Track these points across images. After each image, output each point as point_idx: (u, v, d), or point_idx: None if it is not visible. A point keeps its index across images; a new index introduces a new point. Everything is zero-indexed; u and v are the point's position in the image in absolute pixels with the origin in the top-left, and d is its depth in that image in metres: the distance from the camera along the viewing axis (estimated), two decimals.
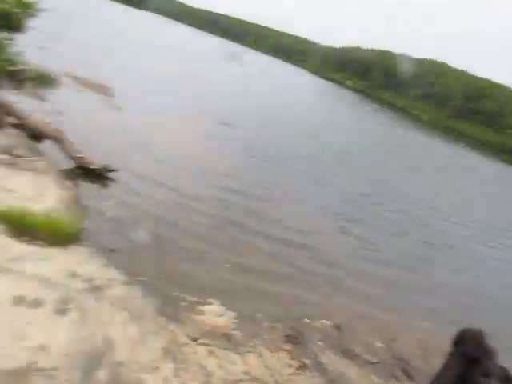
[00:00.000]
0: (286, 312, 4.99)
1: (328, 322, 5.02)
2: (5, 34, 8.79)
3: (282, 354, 4.19)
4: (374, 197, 11.65)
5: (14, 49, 9.24)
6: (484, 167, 32.48)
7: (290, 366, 4.08)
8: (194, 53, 40.38)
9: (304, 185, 10.44)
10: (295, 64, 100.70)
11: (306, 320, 4.94)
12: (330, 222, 8.57)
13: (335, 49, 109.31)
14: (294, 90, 40.05)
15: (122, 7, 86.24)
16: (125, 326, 3.62)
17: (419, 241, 9.48)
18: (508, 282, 8.95)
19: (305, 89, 46.97)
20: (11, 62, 9.62)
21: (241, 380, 3.66)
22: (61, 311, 3.38)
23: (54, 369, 2.82)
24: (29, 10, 8.68)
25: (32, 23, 9.01)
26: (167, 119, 12.39)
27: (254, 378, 3.74)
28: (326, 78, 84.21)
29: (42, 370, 2.77)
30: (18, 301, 3.28)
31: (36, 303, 3.33)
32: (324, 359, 4.34)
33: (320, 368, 4.20)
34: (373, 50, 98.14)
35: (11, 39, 8.84)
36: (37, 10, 8.79)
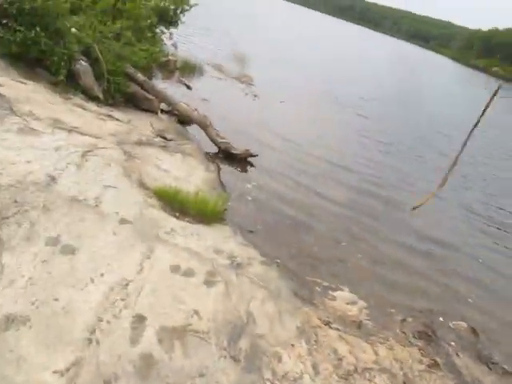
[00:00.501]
0: (420, 307, 4.90)
1: (464, 324, 4.82)
2: (160, 29, 9.62)
3: (413, 350, 4.14)
4: None
5: (168, 42, 10.08)
6: None
7: (421, 362, 4.01)
8: (337, 43, 40.07)
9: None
10: (435, 50, 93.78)
11: (440, 318, 4.80)
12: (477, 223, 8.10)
13: (480, 32, 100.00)
14: (436, 80, 37.81)
15: None
16: (263, 303, 3.87)
17: None
18: None
19: (446, 78, 44.04)
20: (164, 54, 10.54)
21: (371, 369, 3.70)
22: (209, 282, 3.73)
23: (205, 332, 3.14)
24: (183, 6, 9.40)
25: (184, 18, 9.73)
26: (307, 108, 12.62)
27: (384, 369, 3.75)
28: (469, 65, 77.27)
29: (195, 331, 3.11)
30: (175, 269, 3.68)
31: (189, 273, 3.71)
32: (457, 361, 4.20)
33: (453, 369, 4.07)
34: None
35: (166, 32, 9.67)
36: (190, 5, 9.48)
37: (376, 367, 3.76)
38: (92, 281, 3.11)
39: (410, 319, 4.62)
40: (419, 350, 4.21)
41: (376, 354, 3.94)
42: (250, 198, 6.25)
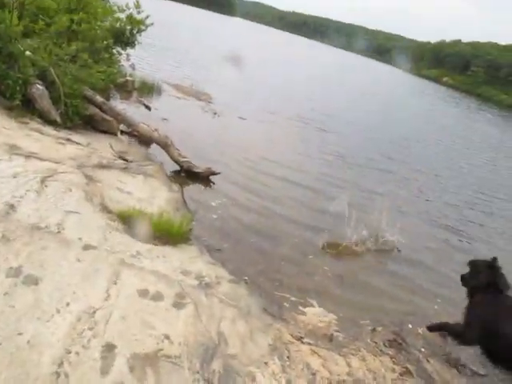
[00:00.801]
0: (389, 316, 4.98)
1: None
2: (117, 50, 9.56)
3: (385, 359, 4.20)
4: None
5: (125, 63, 10.03)
6: None
7: (394, 370, 4.07)
8: (293, 59, 40.75)
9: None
10: (388, 62, 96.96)
11: (409, 325, 4.89)
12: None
13: (429, 44, 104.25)
14: (389, 90, 39.00)
15: (211, 14, 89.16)
16: (234, 322, 3.85)
17: None
18: None
19: (400, 89, 45.50)
20: (122, 75, 10.47)
21: (344, 381, 3.73)
22: (179, 305, 3.68)
23: (177, 357, 3.09)
24: (139, 26, 9.38)
25: (141, 38, 9.72)
26: (267, 125, 12.74)
27: (358, 380, 3.78)
28: (420, 76, 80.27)
29: (167, 356, 3.05)
30: (143, 294, 3.62)
31: (157, 297, 3.65)
32: (428, 366, 4.27)
33: (424, 375, 4.14)
34: (472, 43, 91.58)
35: (122, 53, 9.61)
36: (146, 25, 9.48)
37: (350, 379, 3.78)
38: (58, 311, 3.02)
39: (379, 328, 4.68)
40: (391, 358, 4.27)
41: (349, 365, 3.97)
42: (214, 217, 6.23)
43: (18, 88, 6.61)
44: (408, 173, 11.89)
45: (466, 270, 4.42)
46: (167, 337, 3.23)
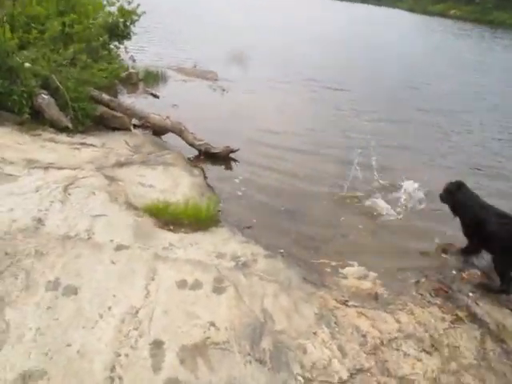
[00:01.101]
0: (430, 265, 4.90)
1: (476, 271, 4.83)
2: (115, 45, 9.45)
3: (433, 309, 4.13)
4: None
5: (123, 56, 9.93)
6: None
7: (444, 320, 4.01)
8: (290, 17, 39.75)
9: None
10: (389, 5, 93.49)
11: (453, 271, 4.80)
12: None
13: None
14: (397, 35, 37.78)
15: None
16: (277, 297, 3.83)
17: None
18: None
19: (407, 31, 44.01)
20: (124, 68, 10.38)
21: (396, 338, 3.69)
22: (219, 290, 3.68)
23: (226, 342, 3.10)
24: (132, 17, 9.21)
25: (135, 28, 9.56)
26: (278, 92, 12.53)
27: (409, 335, 3.74)
28: (426, 13, 77.31)
29: (216, 343, 3.06)
30: (182, 285, 3.63)
31: (196, 285, 3.66)
32: (478, 310, 4.19)
33: (476, 319, 4.07)
34: None
35: (120, 47, 9.51)
36: (138, 15, 9.30)
37: (401, 335, 3.74)
38: (101, 317, 3.05)
39: (423, 279, 4.60)
40: (439, 307, 4.20)
41: (398, 321, 3.92)
42: (240, 194, 6.20)
43: (24, 102, 6.61)
44: (429, 117, 11.57)
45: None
46: (212, 324, 3.24)
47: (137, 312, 3.19)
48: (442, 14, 74.38)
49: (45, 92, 6.95)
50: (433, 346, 3.70)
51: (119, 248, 4.03)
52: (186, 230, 4.79)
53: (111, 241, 4.12)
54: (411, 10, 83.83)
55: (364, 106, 11.78)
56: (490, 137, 10.54)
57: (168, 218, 4.86)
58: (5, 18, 7.11)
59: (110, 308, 3.16)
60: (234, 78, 13.27)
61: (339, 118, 10.61)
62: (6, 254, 3.52)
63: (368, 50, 24.34)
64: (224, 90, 11.79)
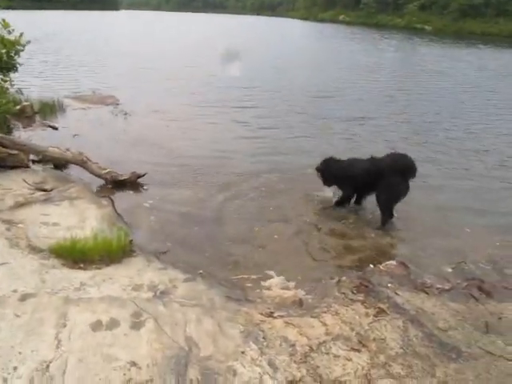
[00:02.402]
0: (348, 263, 5.02)
1: (393, 262, 5.01)
2: (1, 78, 8.84)
3: (357, 306, 4.20)
4: None
5: (13, 88, 9.34)
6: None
7: (368, 315, 4.08)
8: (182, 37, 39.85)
9: None
10: (283, 16, 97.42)
11: (370, 266, 4.94)
12: None
13: None
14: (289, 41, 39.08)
15: (95, 13, 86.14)
16: (200, 322, 3.70)
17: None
18: None
19: (300, 37, 45.74)
20: (15, 102, 9.75)
21: (325, 341, 3.69)
22: (137, 325, 3.48)
23: (149, 380, 2.92)
24: (15, 48, 8.66)
25: (21, 59, 9.01)
26: (178, 112, 12.37)
27: (337, 336, 3.76)
28: (318, 20, 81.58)
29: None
30: (96, 326, 3.39)
31: (112, 324, 3.44)
32: (398, 299, 4.32)
33: (397, 309, 4.18)
34: None
35: (7, 80, 8.91)
36: (23, 45, 8.77)
37: (329, 338, 3.75)
38: (5, 381, 2.76)
39: (343, 278, 4.68)
40: (362, 303, 4.28)
41: (324, 324, 3.94)
42: (152, 218, 6.00)
43: None
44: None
45: None
46: (133, 363, 3.05)
47: (47, 366, 2.92)
48: (333, 20, 78.96)
49: None
50: (360, 342, 3.75)
51: (24, 298, 3.71)
52: (98, 265, 4.54)
53: (14, 291, 3.79)
54: (304, 18, 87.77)
55: (273, 122, 11.82)
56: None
57: (77, 255, 4.57)
58: None
59: (15, 368, 2.87)
60: (135, 101, 12.98)
61: (244, 137, 10.48)
62: None
63: (268, 61, 24.87)
64: (126, 114, 11.47)
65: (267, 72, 20.57)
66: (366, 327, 3.92)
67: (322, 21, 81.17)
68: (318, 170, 6.63)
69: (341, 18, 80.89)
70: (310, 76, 20.15)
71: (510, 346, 3.79)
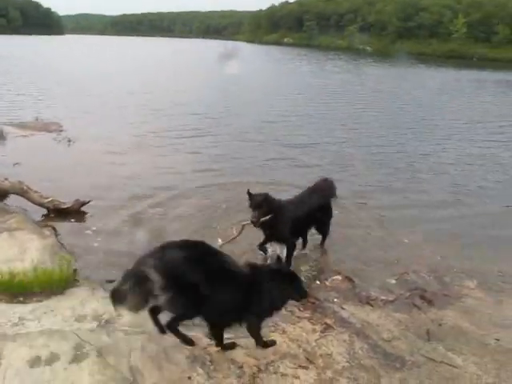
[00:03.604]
0: None
1: (338, 277, 5.10)
2: None
3: (304, 323, 4.25)
4: None
5: None
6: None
7: (315, 331, 4.13)
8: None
9: None
10: (229, 39, 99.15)
11: (317, 282, 5.01)
12: None
13: (262, 11, 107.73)
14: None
15: (37, 38, 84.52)
16: (145, 350, 3.63)
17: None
18: None
19: (246, 59, 46.42)
20: None
21: (272, 361, 3.70)
22: (78, 358, 3.37)
23: None
24: None
25: None
26: (124, 135, 12.24)
27: (284, 355, 3.78)
28: (263, 43, 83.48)
29: None
30: (34, 362, 3.25)
31: (52, 358, 3.31)
32: (344, 313, 4.42)
33: (344, 323, 4.27)
34: (299, 1, 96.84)
35: None
36: None
37: (276, 357, 3.76)
38: None
39: None
40: (308, 320, 4.34)
41: None
42: (96, 245, 5.89)
43: None
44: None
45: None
46: None
47: None
48: (277, 42, 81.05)
49: None
50: (307, 359, 3.78)
51: None
52: (39, 297, 4.40)
53: None
54: (249, 40, 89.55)
55: (222, 149, 11.77)
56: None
57: (16, 289, 4.40)
58: None
59: None
60: (78, 127, 12.77)
61: (190, 158, 10.60)
62: None
63: (216, 84, 24.99)
64: (70, 141, 11.22)
65: (215, 96, 20.60)
66: (313, 344, 3.97)
67: (266, 43, 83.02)
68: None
69: (285, 40, 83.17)
70: (259, 100, 20.29)
71: (450, 351, 3.94)
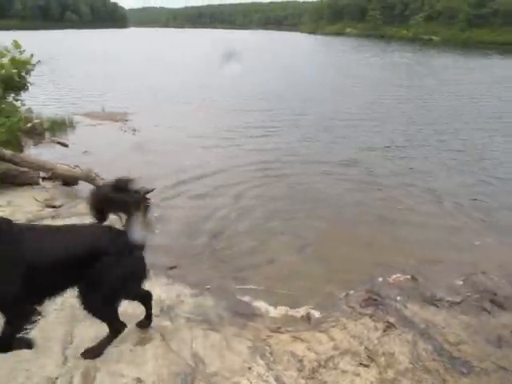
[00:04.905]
0: (356, 277, 4.96)
1: (402, 275, 4.95)
2: (12, 97, 9.03)
3: (365, 320, 4.15)
4: None
5: (24, 107, 9.49)
6: None
7: (376, 328, 4.03)
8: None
9: None
10: (289, 30, 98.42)
11: (379, 279, 4.88)
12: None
13: (325, 1, 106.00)
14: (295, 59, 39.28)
15: (104, 31, 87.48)
16: (207, 337, 3.68)
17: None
18: None
19: (309, 50, 45.94)
20: (26, 120, 9.91)
21: (332, 356, 3.64)
22: (143, 341, 3.47)
23: None
24: (26, 68, 8.84)
25: (31, 78, 9.17)
26: (187, 125, 12.46)
27: (345, 351, 3.71)
28: (325, 34, 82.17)
29: None
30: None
31: (118, 340, 3.40)
32: (408, 313, 4.27)
33: (407, 323, 4.13)
34: None
35: (19, 99, 9.08)
36: (33, 65, 8.95)
37: (337, 353, 3.70)
38: None
39: (351, 292, 4.65)
40: (370, 317, 4.22)
41: (332, 339, 3.89)
42: (159, 235, 6.00)
43: None
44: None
45: None
46: (139, 380, 3.03)
47: (53, 383, 2.91)
48: (339, 33, 79.48)
49: None
50: (369, 357, 3.69)
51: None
52: None
53: None
54: (310, 32, 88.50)
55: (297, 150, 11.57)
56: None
57: None
58: None
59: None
60: (142, 117, 13.16)
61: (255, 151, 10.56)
62: None
63: (283, 78, 24.53)
64: (134, 130, 11.60)
65: (285, 93, 19.52)
66: (375, 341, 3.87)
67: (328, 34, 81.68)
68: None
69: (347, 30, 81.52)
70: (330, 97, 19.12)
71: None
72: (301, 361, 3.57)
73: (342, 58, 40.67)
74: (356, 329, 4.03)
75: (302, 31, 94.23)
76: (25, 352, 3.19)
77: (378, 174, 8.82)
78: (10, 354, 3.13)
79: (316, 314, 4.27)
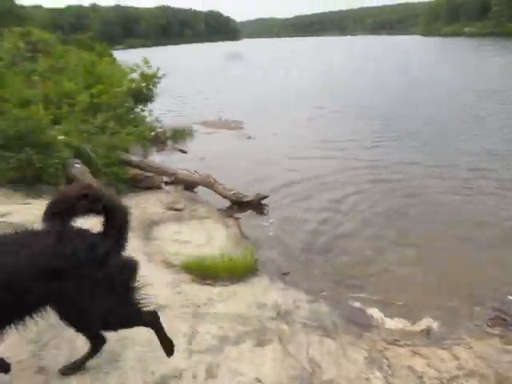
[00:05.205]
0: (482, 292, 4.65)
1: None
2: (140, 108, 9.85)
3: (494, 341, 3.87)
4: None
5: (150, 117, 10.29)
6: None
7: (507, 351, 3.74)
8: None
9: None
10: (403, 33, 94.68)
11: (509, 297, 4.53)
12: None
13: (441, 1, 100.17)
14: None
15: (218, 44, 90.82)
16: (323, 344, 3.68)
17: None
18: None
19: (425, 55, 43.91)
20: (152, 129, 10.75)
21: (457, 376, 3.45)
22: (262, 342, 3.56)
23: None
24: (153, 80, 9.61)
25: (156, 90, 9.94)
26: (302, 135, 12.58)
27: (472, 373, 3.48)
28: (441, 35, 77.64)
29: None
30: (223, 340, 3.53)
31: (238, 340, 3.56)
32: None
33: None
34: None
35: (145, 109, 9.89)
36: (159, 77, 9.70)
37: (461, 373, 3.49)
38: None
39: (477, 308, 4.37)
40: (500, 338, 3.94)
41: (456, 358, 3.68)
42: (274, 239, 6.16)
43: (59, 173, 6.86)
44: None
45: None
46: (258, 380, 3.11)
47: (180, 374, 3.10)
48: (456, 34, 74.67)
49: (78, 161, 7.21)
50: (499, 382, 3.44)
51: (157, 309, 3.99)
52: (225, 282, 4.74)
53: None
54: (425, 33, 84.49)
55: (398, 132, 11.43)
56: None
57: (205, 272, 4.82)
58: (39, 99, 7.49)
59: (153, 373, 3.08)
60: (257, 125, 13.56)
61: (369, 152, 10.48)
62: None
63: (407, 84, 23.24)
64: (249, 138, 12.01)
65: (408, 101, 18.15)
66: (506, 366, 3.58)
67: (445, 35, 77.31)
68: None
69: (466, 30, 76.55)
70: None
71: None
72: (420, 377, 3.43)
73: (462, 60, 37.94)
74: (483, 349, 3.77)
75: (415, 33, 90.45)
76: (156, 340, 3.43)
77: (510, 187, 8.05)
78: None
79: (437, 328, 4.08)
